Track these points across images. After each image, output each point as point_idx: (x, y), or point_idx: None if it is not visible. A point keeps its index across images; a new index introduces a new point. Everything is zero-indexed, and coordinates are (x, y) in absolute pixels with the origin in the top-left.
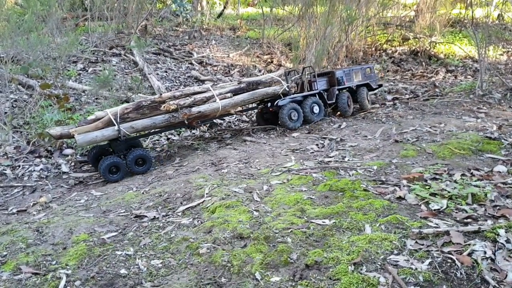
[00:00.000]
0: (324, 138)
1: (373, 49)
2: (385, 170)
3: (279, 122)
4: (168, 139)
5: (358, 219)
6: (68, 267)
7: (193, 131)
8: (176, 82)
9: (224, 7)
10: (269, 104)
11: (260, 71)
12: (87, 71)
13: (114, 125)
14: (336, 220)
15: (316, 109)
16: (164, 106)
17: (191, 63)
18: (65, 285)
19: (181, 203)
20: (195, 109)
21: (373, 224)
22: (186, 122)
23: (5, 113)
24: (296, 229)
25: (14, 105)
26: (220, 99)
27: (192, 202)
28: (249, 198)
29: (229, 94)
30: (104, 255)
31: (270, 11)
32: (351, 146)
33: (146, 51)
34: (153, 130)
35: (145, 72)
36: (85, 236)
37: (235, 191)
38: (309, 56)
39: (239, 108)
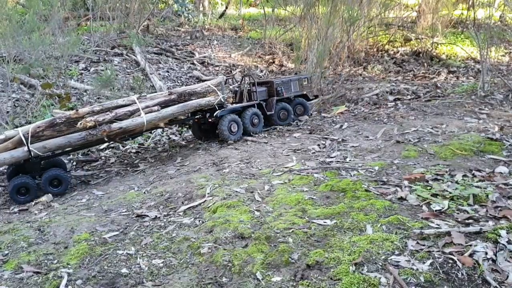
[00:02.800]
0: (326, 138)
1: (375, 49)
2: (387, 170)
3: (218, 134)
4: (169, 138)
5: (359, 220)
6: (69, 266)
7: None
8: (178, 82)
9: (226, 7)
10: (208, 115)
11: (261, 71)
12: (89, 70)
13: (25, 145)
14: (337, 221)
15: (256, 121)
16: (80, 123)
17: (192, 63)
18: (66, 284)
19: (182, 202)
20: (116, 125)
21: (375, 225)
22: (106, 139)
23: (7, 112)
24: (297, 229)
25: (16, 105)
26: (146, 113)
27: (193, 201)
28: (251, 198)
29: (156, 107)
30: (106, 255)
31: (272, 11)
32: (353, 146)
33: (148, 51)
34: (70, 149)
35: (147, 72)
36: (87, 235)
37: (237, 191)
38: (311, 57)
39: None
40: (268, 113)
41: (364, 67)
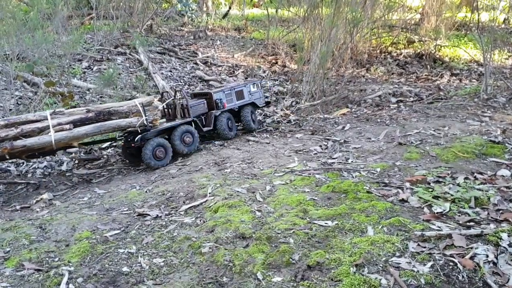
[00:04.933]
0: (328, 139)
1: (378, 51)
2: (389, 172)
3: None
4: None
5: (360, 221)
6: (70, 264)
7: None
8: (181, 82)
9: (230, 8)
10: (130, 138)
11: (264, 71)
12: (92, 69)
13: None
14: (338, 222)
15: (188, 139)
16: None
17: (195, 63)
18: (67, 281)
19: (184, 202)
20: (19, 143)
21: (376, 226)
22: (7, 157)
23: (10, 110)
24: (298, 230)
25: (19, 102)
26: (57, 131)
27: (195, 201)
28: (252, 198)
29: (67, 126)
30: (107, 253)
31: (276, 12)
32: (355, 148)
33: (151, 50)
34: None
35: (149, 71)
36: (88, 233)
37: (238, 191)
38: (314, 58)
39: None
40: (205, 129)
41: (367, 69)
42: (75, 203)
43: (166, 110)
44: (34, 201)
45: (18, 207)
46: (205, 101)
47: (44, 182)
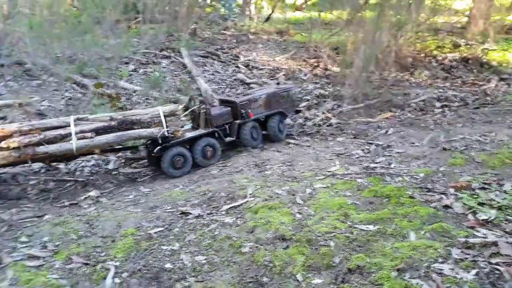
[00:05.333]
0: (370, 143)
1: (423, 55)
2: (432, 177)
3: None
4: None
5: (402, 226)
6: (116, 259)
7: None
8: (222, 85)
9: (272, 11)
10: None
11: (305, 74)
12: (138, 72)
13: None
14: (380, 226)
15: (210, 153)
16: (4, 143)
17: (237, 66)
18: (113, 276)
19: (224, 202)
20: (41, 149)
21: (418, 232)
22: (30, 162)
23: (60, 110)
24: (339, 234)
25: (69, 103)
26: (79, 138)
27: (235, 201)
28: (292, 200)
29: (89, 134)
30: (151, 249)
31: (318, 15)
32: (398, 152)
33: (195, 54)
34: None
35: (193, 74)
36: (133, 230)
37: (278, 193)
38: (357, 61)
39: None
40: (227, 139)
41: (411, 73)
42: (121, 200)
43: (192, 116)
44: (82, 198)
45: (67, 204)
46: (230, 110)
47: (92, 180)
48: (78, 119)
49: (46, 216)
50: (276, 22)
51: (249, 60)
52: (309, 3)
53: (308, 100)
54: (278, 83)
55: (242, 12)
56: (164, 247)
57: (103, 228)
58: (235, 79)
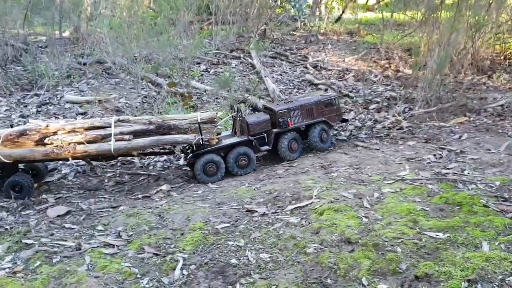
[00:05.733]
0: (443, 148)
1: (502, 57)
2: (509, 186)
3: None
4: None
5: (475, 236)
6: (184, 251)
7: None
8: (290, 85)
9: (343, 12)
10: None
11: (376, 76)
12: (209, 72)
13: None
14: (450, 234)
15: (243, 162)
16: (48, 140)
17: (305, 67)
18: (181, 267)
19: (289, 202)
20: (81, 148)
21: (492, 242)
22: (70, 160)
23: (136, 107)
24: (407, 240)
25: (144, 101)
26: (117, 140)
27: (300, 202)
28: (359, 204)
29: (127, 136)
30: (217, 244)
31: (391, 16)
32: (472, 159)
33: (263, 54)
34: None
35: (261, 75)
36: (201, 224)
37: (344, 196)
38: (431, 63)
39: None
40: (263, 148)
41: (489, 76)
42: (190, 195)
43: (214, 137)
44: (154, 191)
45: (140, 196)
46: (269, 118)
47: (163, 174)
48: (119, 120)
49: (121, 207)
50: (347, 23)
51: (318, 61)
52: (381, 3)
53: (378, 102)
54: (326, 89)
55: (312, 12)
56: (230, 243)
57: (173, 221)
58: (303, 80)
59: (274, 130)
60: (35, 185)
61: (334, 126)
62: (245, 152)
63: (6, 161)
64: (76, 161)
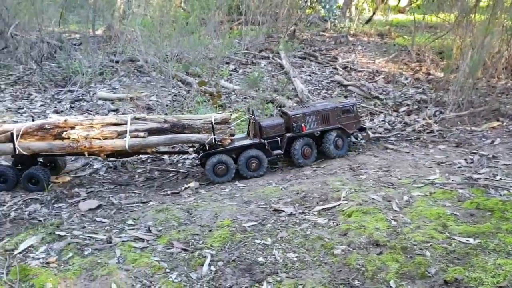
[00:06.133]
0: (474, 153)
1: None
2: None
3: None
4: None
5: (507, 242)
6: (212, 248)
7: None
8: (319, 86)
9: (374, 13)
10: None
11: (406, 78)
12: (237, 72)
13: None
14: (481, 240)
15: (254, 165)
16: (65, 134)
17: (335, 68)
18: (209, 263)
19: (317, 203)
20: (97, 143)
21: None
22: (86, 155)
23: (167, 105)
24: (436, 244)
25: (174, 99)
26: (132, 137)
27: (328, 203)
28: (388, 206)
29: (142, 133)
30: (245, 242)
31: (423, 18)
32: (505, 164)
33: (292, 55)
34: (53, 153)
35: (290, 75)
36: (228, 222)
37: (373, 198)
38: (463, 66)
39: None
40: (275, 152)
41: None
42: (218, 193)
43: (227, 138)
44: (183, 188)
45: (169, 192)
46: (283, 122)
47: (192, 172)
48: (135, 118)
49: (151, 203)
50: (377, 24)
51: (348, 62)
52: (413, 5)
53: (408, 105)
54: (345, 96)
55: (343, 13)
56: (257, 241)
57: (201, 218)
58: (332, 81)
59: (288, 134)
60: (61, 179)
61: (351, 133)
62: (257, 155)
63: (24, 153)
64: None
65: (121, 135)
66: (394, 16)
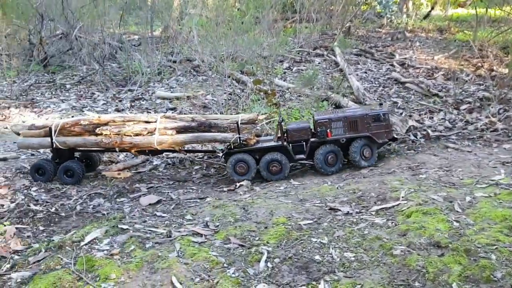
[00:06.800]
0: None
1: None
2: None
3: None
4: None
5: None
6: (268, 244)
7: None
8: (375, 83)
9: (432, 8)
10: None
11: (467, 75)
12: (291, 70)
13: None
14: None
15: (275, 168)
16: (98, 130)
17: (392, 65)
18: (266, 260)
19: (375, 202)
20: (127, 139)
21: None
22: (117, 150)
23: (222, 104)
24: (502, 247)
25: (229, 98)
26: (161, 134)
27: (386, 203)
28: (449, 207)
29: (170, 131)
30: (301, 240)
31: (485, 11)
32: None
33: (348, 52)
34: (87, 148)
35: (345, 72)
36: (284, 219)
37: (434, 198)
38: None
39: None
40: (297, 156)
41: None
42: (273, 190)
43: (251, 138)
44: (238, 185)
45: (225, 189)
46: (309, 126)
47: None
48: (165, 117)
49: (208, 199)
50: (436, 20)
51: (405, 58)
52: None
53: (469, 102)
54: (380, 104)
55: (399, 9)
56: (314, 239)
57: (256, 214)
58: (388, 78)
59: (312, 139)
60: (123, 175)
61: (380, 143)
62: (279, 158)
63: (61, 147)
64: (166, 153)
65: (150, 132)
66: (453, 10)
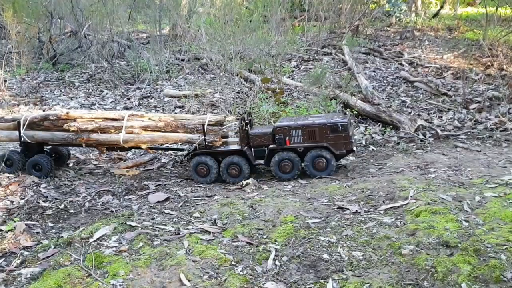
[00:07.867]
0: None
1: None
2: None
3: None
4: (372, 137)
5: None
6: (276, 242)
7: (397, 132)
8: (384, 82)
9: (441, 7)
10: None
11: (477, 74)
12: (299, 68)
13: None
14: None
15: (234, 172)
16: (66, 126)
17: (400, 64)
18: (274, 258)
19: (383, 202)
20: (94, 136)
21: None
22: (83, 146)
23: (230, 102)
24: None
25: (237, 96)
26: (128, 132)
27: (395, 202)
28: (458, 207)
29: (136, 130)
30: (309, 238)
31: (496, 10)
32: None
33: (356, 50)
34: (55, 143)
35: (353, 71)
36: (292, 218)
37: (443, 198)
38: None
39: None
40: (256, 162)
41: None
42: (280, 189)
43: (216, 140)
44: (244, 183)
45: (232, 187)
46: (271, 133)
47: (257, 168)
48: (132, 115)
49: (216, 197)
50: (445, 18)
51: (414, 57)
52: None
53: (479, 102)
54: (345, 113)
55: (408, 8)
56: (322, 238)
57: (264, 213)
58: (397, 77)
59: (271, 146)
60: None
61: (338, 154)
62: (238, 162)
63: (29, 141)
64: (174, 151)
65: (117, 129)
66: (463, 9)
